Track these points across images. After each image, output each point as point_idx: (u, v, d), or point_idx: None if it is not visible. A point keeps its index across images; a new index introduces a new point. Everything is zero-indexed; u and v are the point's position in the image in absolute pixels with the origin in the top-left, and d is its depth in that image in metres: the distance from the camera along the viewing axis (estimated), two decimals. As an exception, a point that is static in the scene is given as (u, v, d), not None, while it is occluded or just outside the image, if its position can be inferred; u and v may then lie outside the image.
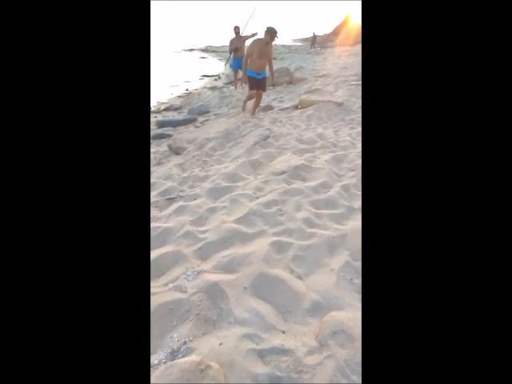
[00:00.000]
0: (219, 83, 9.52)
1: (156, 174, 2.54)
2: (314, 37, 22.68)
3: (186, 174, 2.39)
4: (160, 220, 1.73)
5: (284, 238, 1.46)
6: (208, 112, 5.13)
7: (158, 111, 5.80)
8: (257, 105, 4.01)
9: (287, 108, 4.30)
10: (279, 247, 1.40)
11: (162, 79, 10.56)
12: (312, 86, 6.08)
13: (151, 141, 3.85)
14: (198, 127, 4.16)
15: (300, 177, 2.12)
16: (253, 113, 4.03)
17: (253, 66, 3.69)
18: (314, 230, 1.51)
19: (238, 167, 2.36)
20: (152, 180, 2.36)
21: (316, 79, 6.94)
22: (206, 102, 5.78)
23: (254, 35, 6.12)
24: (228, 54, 6.50)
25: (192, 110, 5.15)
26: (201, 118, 4.75)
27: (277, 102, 5.05)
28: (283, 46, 24.63)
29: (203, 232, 1.57)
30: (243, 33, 6.00)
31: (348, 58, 12.22)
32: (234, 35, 6.05)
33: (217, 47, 29.05)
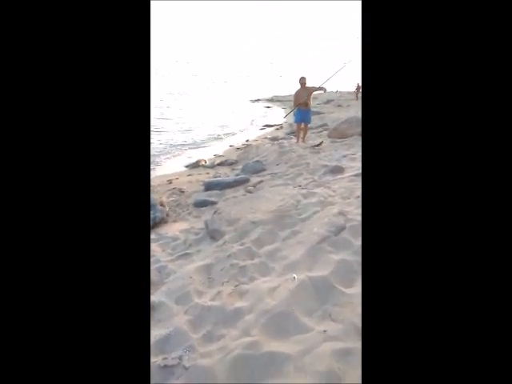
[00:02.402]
0: (281, 133, 9.13)
1: (171, 281, 1.74)
2: (358, 87, 21.61)
3: (207, 298, 1.51)
4: None
5: None
6: (263, 170, 4.44)
7: (212, 166, 5.41)
8: None
9: (364, 172, 3.27)
10: None
11: (224, 129, 10.79)
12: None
13: (191, 209, 3.23)
14: (248, 192, 3.42)
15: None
16: None
17: None
18: None
19: (293, 295, 1.39)
20: (160, 298, 1.55)
21: (395, 129, 5.80)
22: (262, 158, 5.17)
23: (321, 89, 5.54)
24: (292, 105, 6.00)
25: (246, 168, 4.55)
26: (254, 178, 4.05)
27: (348, 161, 4.07)
28: (348, 92, 24.10)
29: None
30: (322, 84, 5.44)
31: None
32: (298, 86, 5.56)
33: (282, 96, 30.44)
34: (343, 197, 2.54)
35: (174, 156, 6.58)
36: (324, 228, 1.95)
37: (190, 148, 7.50)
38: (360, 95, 20.84)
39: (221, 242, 2.13)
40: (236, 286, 1.56)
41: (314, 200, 2.49)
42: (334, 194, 2.64)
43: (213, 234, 2.32)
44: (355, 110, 11.90)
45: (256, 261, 1.78)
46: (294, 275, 1.54)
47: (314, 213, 2.23)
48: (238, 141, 8.39)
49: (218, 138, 8.99)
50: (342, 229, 1.92)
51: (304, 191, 2.77)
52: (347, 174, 3.27)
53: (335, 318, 1.28)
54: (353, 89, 22.09)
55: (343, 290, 1.42)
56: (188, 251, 2.16)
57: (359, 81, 22.07)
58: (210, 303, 1.44)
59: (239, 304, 1.40)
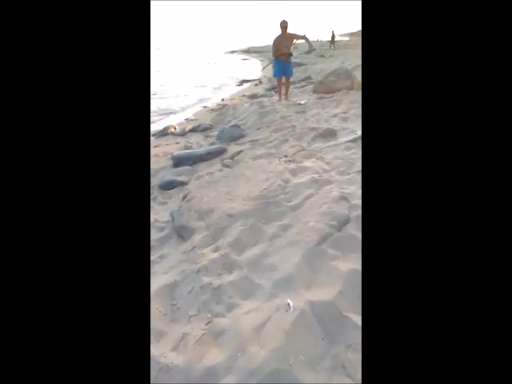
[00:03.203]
0: (260, 89, 8.22)
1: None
2: (333, 36, 20.67)
3: (168, 347, 1.06)
4: None
5: None
6: (242, 136, 3.82)
7: (183, 133, 4.68)
8: None
9: (360, 137, 2.76)
10: None
11: (195, 87, 9.63)
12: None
13: (157, 193, 2.66)
14: (225, 166, 2.86)
15: None
16: None
17: None
18: None
19: (288, 336, 0.97)
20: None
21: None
22: (240, 121, 4.49)
23: (304, 38, 4.72)
24: (271, 57, 5.15)
25: (222, 135, 3.90)
26: (232, 148, 3.45)
27: (339, 121, 3.52)
28: (329, 41, 22.35)
29: None
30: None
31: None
32: (279, 32, 4.67)
33: (259, 47, 27.94)
34: (341, 171, 2.06)
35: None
36: (323, 220, 1.49)
37: (157, 114, 6.56)
38: (335, 44, 19.80)
39: (189, 244, 1.64)
40: (208, 322, 1.11)
41: (305, 178, 1.99)
42: (328, 167, 2.15)
43: (180, 232, 1.82)
44: (340, 60, 10.93)
45: (235, 275, 1.32)
46: (289, 301, 1.10)
47: (308, 197, 1.76)
48: (212, 100, 7.47)
49: (191, 105, 7.95)
50: (346, 221, 1.47)
51: (292, 165, 2.25)
52: (341, 140, 2.75)
53: (352, 374, 0.88)
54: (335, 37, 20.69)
55: (358, 321, 1.01)
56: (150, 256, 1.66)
57: (332, 29, 20.86)
58: (170, 359, 0.99)
59: (212, 358, 0.96)
